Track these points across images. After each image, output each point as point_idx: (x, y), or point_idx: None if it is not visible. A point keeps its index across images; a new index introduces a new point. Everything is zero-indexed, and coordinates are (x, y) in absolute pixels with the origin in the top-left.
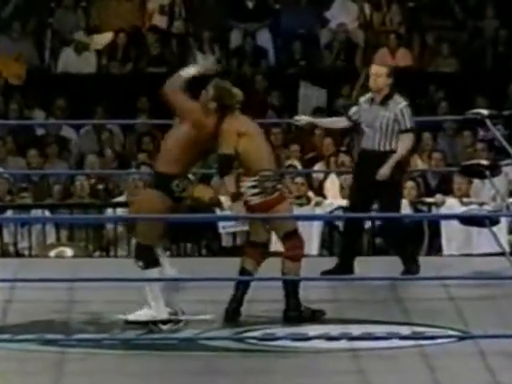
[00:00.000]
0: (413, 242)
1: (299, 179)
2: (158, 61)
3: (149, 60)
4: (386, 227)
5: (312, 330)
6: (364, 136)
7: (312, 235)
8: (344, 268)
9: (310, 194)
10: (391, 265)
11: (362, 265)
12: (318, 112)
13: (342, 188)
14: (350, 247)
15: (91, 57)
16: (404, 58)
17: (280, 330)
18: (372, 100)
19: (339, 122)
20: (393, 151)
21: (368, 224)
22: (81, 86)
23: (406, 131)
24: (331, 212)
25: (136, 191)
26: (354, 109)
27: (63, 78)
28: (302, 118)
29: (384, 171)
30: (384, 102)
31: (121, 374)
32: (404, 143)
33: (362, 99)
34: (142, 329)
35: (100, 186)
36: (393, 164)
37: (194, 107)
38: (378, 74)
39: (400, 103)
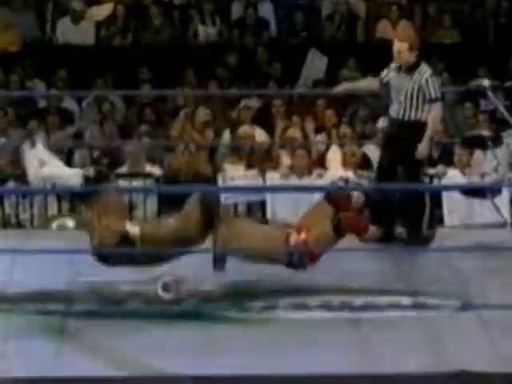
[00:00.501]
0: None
1: (300, 151)
2: (159, 32)
3: (151, 31)
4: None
5: (313, 300)
6: (391, 104)
7: None
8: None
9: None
10: None
11: None
12: (319, 84)
13: (343, 159)
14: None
15: (90, 27)
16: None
17: (281, 301)
18: (400, 68)
19: (373, 85)
20: (417, 122)
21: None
22: (82, 58)
23: (431, 101)
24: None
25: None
26: (385, 71)
27: (64, 49)
28: (340, 87)
29: (422, 149)
30: (410, 71)
31: (123, 344)
32: (433, 114)
33: (392, 65)
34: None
35: (105, 161)
36: (428, 139)
37: None
38: (401, 50)
39: (425, 72)
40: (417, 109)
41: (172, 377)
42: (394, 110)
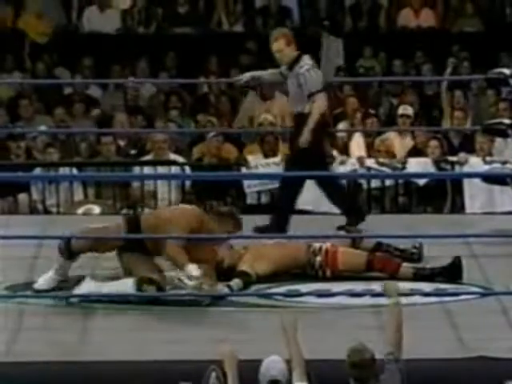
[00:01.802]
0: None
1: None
2: (185, 20)
3: (176, 19)
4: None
5: (336, 286)
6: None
7: None
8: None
9: (334, 152)
10: (413, 222)
11: (385, 222)
12: (340, 71)
13: (367, 147)
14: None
15: (115, 16)
16: (428, 19)
17: (304, 287)
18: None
19: (275, 76)
20: (301, 114)
21: (391, 182)
22: (107, 46)
23: (312, 94)
24: (354, 170)
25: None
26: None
27: (90, 37)
28: (243, 76)
29: (303, 139)
30: (292, 66)
31: (145, 329)
32: (315, 105)
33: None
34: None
35: (132, 151)
36: (309, 130)
37: None
38: (280, 48)
39: (304, 67)
40: (301, 102)
41: (194, 361)
42: (291, 103)
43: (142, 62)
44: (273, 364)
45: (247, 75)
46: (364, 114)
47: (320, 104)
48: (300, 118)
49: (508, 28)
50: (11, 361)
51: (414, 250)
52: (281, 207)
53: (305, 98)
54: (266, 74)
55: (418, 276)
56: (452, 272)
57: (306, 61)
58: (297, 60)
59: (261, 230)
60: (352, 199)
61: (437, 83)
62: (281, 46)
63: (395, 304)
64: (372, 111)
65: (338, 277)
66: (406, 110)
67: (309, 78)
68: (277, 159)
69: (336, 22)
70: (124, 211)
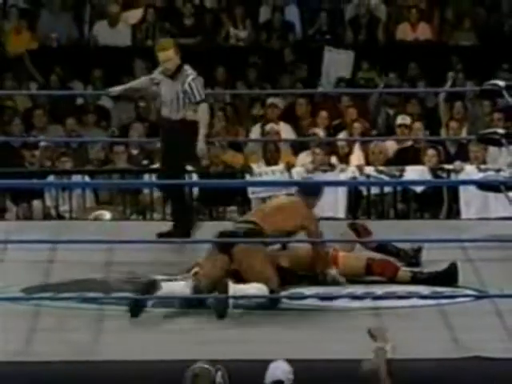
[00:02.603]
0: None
1: (319, 149)
2: (191, 31)
3: (182, 30)
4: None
5: (337, 289)
6: (162, 104)
7: (338, 199)
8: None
9: (335, 160)
10: (411, 227)
11: (384, 227)
12: (341, 82)
13: (366, 155)
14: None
15: (125, 30)
16: (424, 32)
17: (307, 290)
18: (166, 73)
19: (145, 84)
20: (184, 120)
21: (389, 189)
22: (117, 58)
23: (197, 103)
24: (354, 178)
25: None
26: (156, 72)
27: (101, 50)
28: (114, 89)
29: (200, 146)
30: (175, 75)
31: (157, 330)
32: (201, 115)
33: (159, 69)
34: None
35: (145, 162)
36: (203, 137)
37: None
38: (169, 57)
39: (189, 76)
40: (182, 109)
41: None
42: (165, 110)
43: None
44: (277, 365)
45: (119, 88)
46: (364, 131)
47: (205, 113)
48: (183, 125)
49: (504, 42)
50: (27, 360)
51: (413, 253)
52: (179, 214)
53: (186, 105)
54: (136, 82)
55: (416, 280)
56: (448, 277)
57: (189, 70)
58: (179, 69)
59: (163, 236)
60: (188, 209)
61: (434, 95)
62: (171, 55)
63: (380, 349)
64: (374, 132)
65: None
66: (404, 119)
67: (195, 87)
68: (281, 167)
69: (337, 36)
70: None
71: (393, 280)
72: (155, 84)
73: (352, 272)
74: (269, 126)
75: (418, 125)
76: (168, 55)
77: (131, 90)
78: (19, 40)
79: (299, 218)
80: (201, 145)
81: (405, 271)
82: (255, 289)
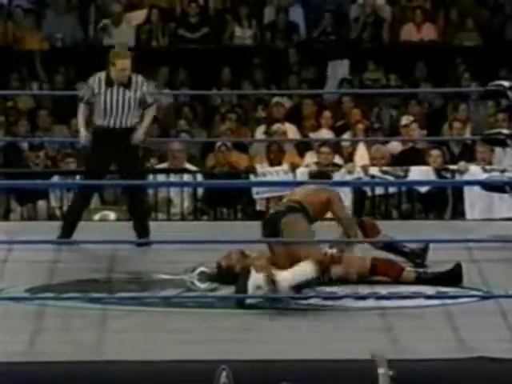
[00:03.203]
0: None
1: (325, 149)
2: (196, 32)
3: (187, 31)
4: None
5: (342, 289)
6: (103, 114)
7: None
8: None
9: (340, 161)
10: (416, 228)
11: (389, 227)
12: (344, 83)
13: (371, 156)
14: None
15: (129, 30)
16: (429, 33)
17: (311, 289)
18: (111, 81)
19: (86, 112)
20: (134, 127)
21: (394, 189)
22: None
23: (150, 105)
24: (359, 178)
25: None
26: (87, 93)
27: (105, 51)
28: (84, 137)
29: (137, 135)
30: (128, 83)
31: (161, 331)
32: (151, 112)
33: (98, 78)
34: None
35: (151, 161)
36: (144, 128)
37: None
38: (127, 67)
39: (143, 82)
40: (134, 116)
41: (209, 361)
42: (109, 120)
43: (158, 75)
44: None
45: (82, 130)
46: (367, 128)
47: (154, 113)
48: (132, 131)
49: (507, 44)
50: (31, 360)
51: (420, 252)
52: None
53: (139, 111)
54: (84, 108)
55: (421, 280)
56: (452, 277)
57: (139, 76)
58: (130, 78)
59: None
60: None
61: (441, 96)
62: (128, 64)
63: None
64: (377, 125)
65: (343, 280)
66: (408, 120)
67: (147, 91)
68: (285, 167)
69: (342, 37)
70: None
71: (397, 280)
72: (89, 103)
73: (357, 272)
74: (276, 126)
75: (413, 126)
76: (127, 64)
77: (88, 112)
78: (32, 39)
79: (325, 192)
80: (139, 133)
81: (409, 271)
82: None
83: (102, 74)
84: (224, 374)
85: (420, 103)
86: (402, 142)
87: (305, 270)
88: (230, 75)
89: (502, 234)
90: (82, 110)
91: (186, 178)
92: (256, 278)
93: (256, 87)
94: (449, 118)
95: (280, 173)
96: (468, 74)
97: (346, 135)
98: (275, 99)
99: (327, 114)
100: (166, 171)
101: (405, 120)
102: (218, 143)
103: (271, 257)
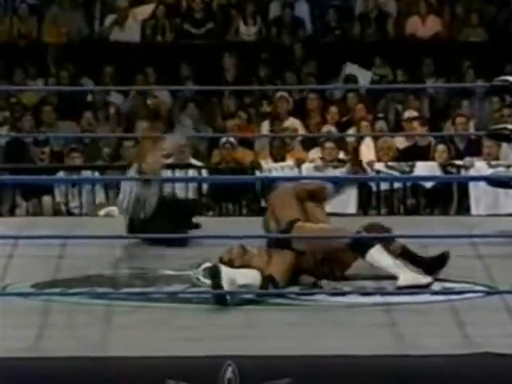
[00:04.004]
0: None
1: (329, 144)
2: (201, 28)
3: (192, 27)
4: None
5: (347, 285)
6: None
7: (349, 195)
8: None
9: (344, 157)
10: (421, 223)
11: (394, 223)
12: (349, 80)
13: (376, 152)
14: None
15: (135, 26)
16: (434, 25)
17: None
18: None
19: None
20: None
21: (399, 184)
22: (128, 54)
23: None
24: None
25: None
26: None
27: (111, 46)
28: None
29: None
30: None
31: (168, 327)
32: None
33: None
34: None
35: None
36: None
37: None
38: None
39: None
40: None
41: (214, 357)
42: None
43: (162, 71)
44: None
45: None
46: (373, 119)
47: None
48: None
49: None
50: (36, 356)
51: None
52: None
53: None
54: None
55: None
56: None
57: None
58: None
59: None
60: None
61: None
62: None
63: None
64: (381, 115)
65: (348, 276)
66: (411, 114)
67: None
68: (290, 163)
69: (347, 32)
70: None
71: None
72: None
73: (356, 270)
74: (288, 122)
75: (415, 124)
76: None
77: None
78: (54, 32)
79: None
80: None
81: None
82: (248, 277)
83: None
84: (230, 369)
85: (429, 98)
86: (406, 138)
87: (251, 274)
88: (236, 71)
89: (508, 230)
90: None
91: (191, 173)
92: (226, 272)
93: (262, 83)
94: (452, 114)
95: (285, 169)
96: (473, 70)
97: (351, 131)
98: (279, 93)
99: (333, 109)
100: (172, 167)
101: (408, 114)
102: (223, 139)
103: (268, 253)
